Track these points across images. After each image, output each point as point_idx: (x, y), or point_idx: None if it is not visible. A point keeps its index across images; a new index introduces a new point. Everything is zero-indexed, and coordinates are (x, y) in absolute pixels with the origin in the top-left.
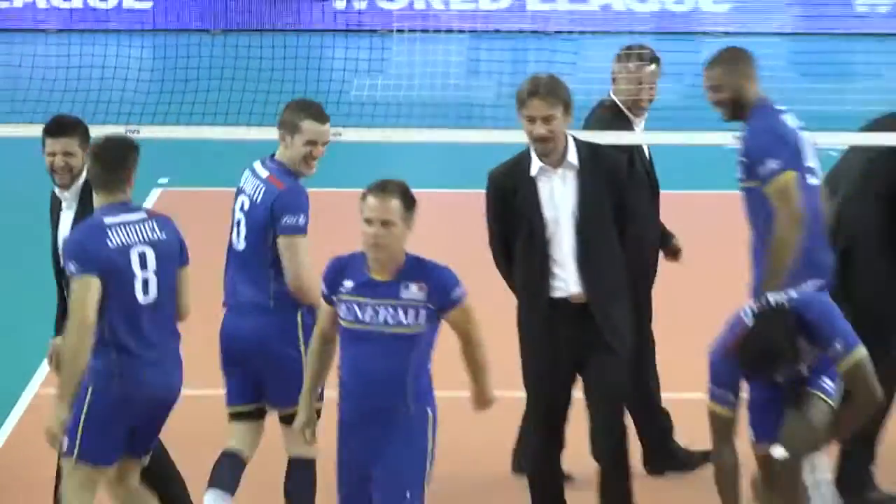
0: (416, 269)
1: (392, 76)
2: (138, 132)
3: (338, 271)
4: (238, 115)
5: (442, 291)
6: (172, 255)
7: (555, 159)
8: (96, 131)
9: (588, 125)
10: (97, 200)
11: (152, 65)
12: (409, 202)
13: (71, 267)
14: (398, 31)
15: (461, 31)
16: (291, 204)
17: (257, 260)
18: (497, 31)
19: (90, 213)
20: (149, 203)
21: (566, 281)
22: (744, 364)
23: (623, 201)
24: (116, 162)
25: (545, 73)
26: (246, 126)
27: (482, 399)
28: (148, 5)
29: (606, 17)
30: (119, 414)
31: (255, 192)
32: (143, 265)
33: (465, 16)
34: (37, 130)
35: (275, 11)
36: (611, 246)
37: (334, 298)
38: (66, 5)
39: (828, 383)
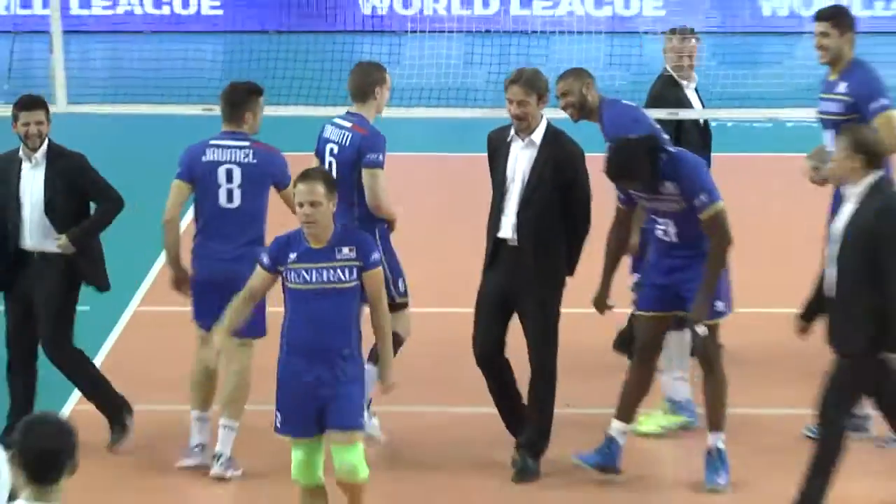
0: (345, 235)
1: (406, 67)
2: (212, 110)
3: (282, 246)
4: (289, 97)
5: (367, 252)
6: (258, 177)
7: (525, 134)
8: (180, 109)
9: (650, 92)
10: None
11: (223, 58)
12: (330, 184)
13: (177, 170)
14: (411, 31)
15: (459, 32)
16: (373, 144)
17: (345, 190)
18: (487, 31)
19: (57, 169)
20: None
21: (507, 226)
22: (607, 173)
23: (573, 177)
24: (235, 101)
25: (530, 67)
26: (313, 105)
27: (386, 374)
28: (220, 12)
29: (570, 21)
30: (196, 288)
31: (341, 138)
32: (229, 179)
33: (462, 19)
34: (140, 108)
35: (317, 17)
36: (548, 207)
37: (280, 268)
38: (157, 12)
39: (718, 305)
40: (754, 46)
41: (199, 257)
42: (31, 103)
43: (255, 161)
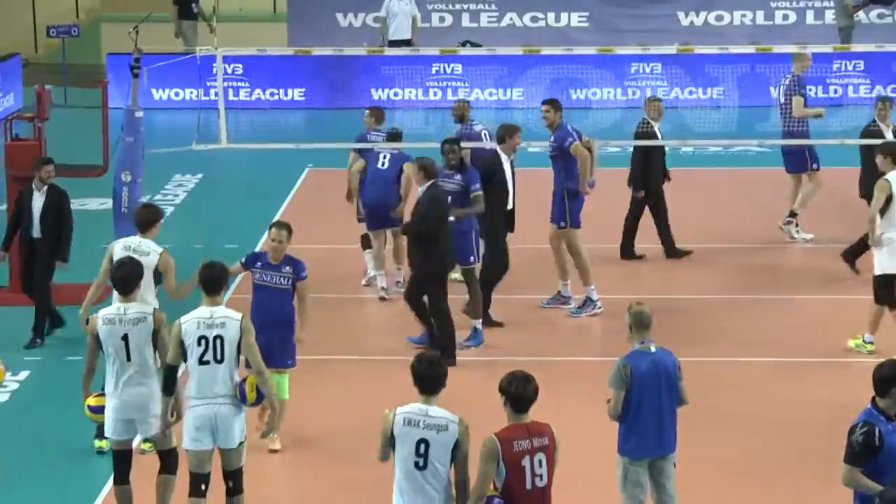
0: (289, 260)
1: None
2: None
3: (253, 258)
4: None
5: (299, 272)
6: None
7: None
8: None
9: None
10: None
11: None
12: (290, 231)
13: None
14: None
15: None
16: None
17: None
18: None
19: (55, 200)
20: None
21: None
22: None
23: (490, 178)
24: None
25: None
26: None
27: (302, 336)
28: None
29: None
30: None
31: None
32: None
33: None
34: (248, 146)
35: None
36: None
37: (251, 269)
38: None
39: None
40: None
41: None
42: (47, 161)
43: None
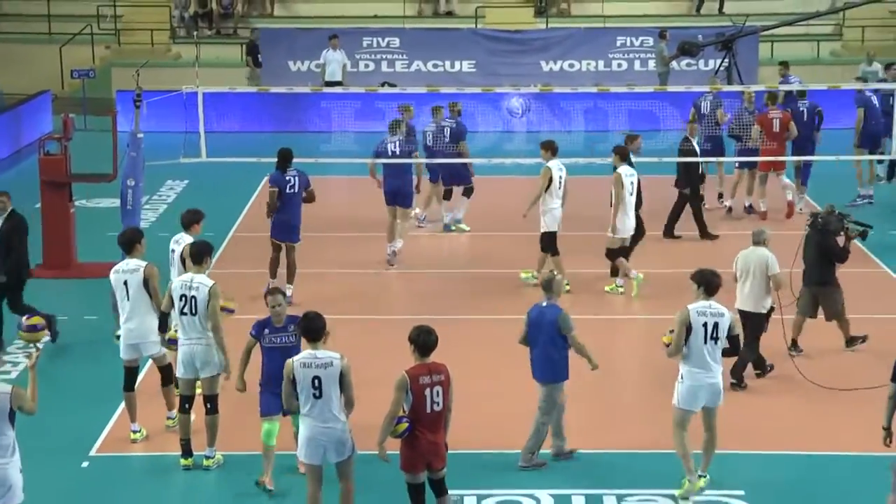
0: (291, 319)
1: None
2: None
3: (261, 326)
4: None
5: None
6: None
7: None
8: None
9: None
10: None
11: None
12: (284, 294)
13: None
14: None
15: None
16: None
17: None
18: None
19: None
20: None
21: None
22: None
23: None
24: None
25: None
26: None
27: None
28: None
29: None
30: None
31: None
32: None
33: None
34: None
35: None
36: None
37: (259, 337)
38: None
39: None
40: None
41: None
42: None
43: None
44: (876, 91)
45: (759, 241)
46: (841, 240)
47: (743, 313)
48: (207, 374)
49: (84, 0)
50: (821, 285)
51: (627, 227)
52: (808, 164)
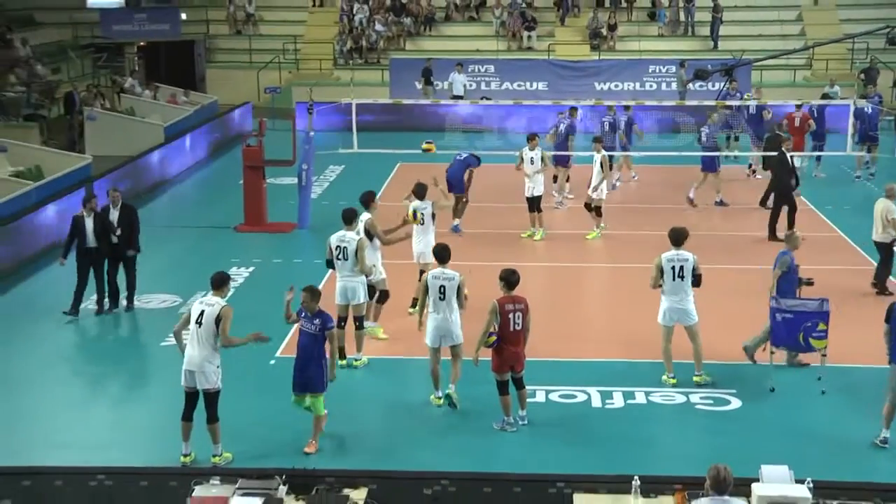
0: (319, 314)
1: None
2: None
3: (300, 310)
4: None
5: (326, 322)
6: None
7: None
8: None
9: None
10: None
11: None
12: (317, 295)
13: None
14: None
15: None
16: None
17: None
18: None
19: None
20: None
21: None
22: None
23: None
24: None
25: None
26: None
27: (332, 375)
28: None
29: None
30: None
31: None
32: None
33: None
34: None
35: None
36: None
37: (299, 317)
38: None
39: None
40: None
41: None
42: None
43: None
44: (864, 106)
45: (890, 194)
46: None
47: (876, 243)
48: (356, 303)
49: (274, 38)
50: None
51: (604, 191)
52: (821, 147)
